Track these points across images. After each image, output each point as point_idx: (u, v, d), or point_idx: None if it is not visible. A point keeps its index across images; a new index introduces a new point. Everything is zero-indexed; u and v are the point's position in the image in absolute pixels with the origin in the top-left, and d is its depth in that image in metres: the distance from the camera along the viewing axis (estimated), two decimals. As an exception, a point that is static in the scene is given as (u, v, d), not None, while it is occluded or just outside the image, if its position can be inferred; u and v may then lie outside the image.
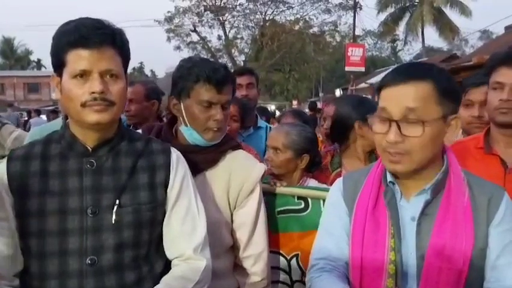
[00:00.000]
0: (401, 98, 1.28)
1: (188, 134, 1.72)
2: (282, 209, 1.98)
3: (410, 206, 1.38)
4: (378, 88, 1.36)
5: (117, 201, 1.36)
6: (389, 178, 1.42)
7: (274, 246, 1.93)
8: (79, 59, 1.30)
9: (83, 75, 1.31)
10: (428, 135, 1.27)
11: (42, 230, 1.33)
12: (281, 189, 1.99)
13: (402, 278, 1.35)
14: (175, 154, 1.51)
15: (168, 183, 1.45)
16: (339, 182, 1.58)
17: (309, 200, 1.96)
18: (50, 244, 1.33)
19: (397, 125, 1.28)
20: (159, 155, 1.47)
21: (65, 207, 1.34)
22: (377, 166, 1.48)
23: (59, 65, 1.34)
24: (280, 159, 2.16)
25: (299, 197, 1.98)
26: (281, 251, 1.98)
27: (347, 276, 1.43)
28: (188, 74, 1.66)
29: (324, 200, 1.91)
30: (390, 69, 1.40)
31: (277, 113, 13.47)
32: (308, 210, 1.95)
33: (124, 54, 1.40)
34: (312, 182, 2.22)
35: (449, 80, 1.34)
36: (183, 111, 1.70)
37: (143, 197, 1.40)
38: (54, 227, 1.33)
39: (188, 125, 1.70)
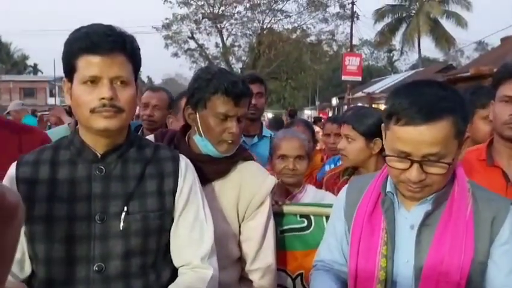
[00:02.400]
0: (421, 142, 1.22)
1: (203, 145, 1.71)
2: (285, 228, 1.96)
3: (410, 215, 1.37)
4: (389, 116, 1.28)
5: (125, 208, 1.36)
6: (388, 188, 1.41)
7: (279, 263, 1.90)
8: (89, 65, 1.30)
9: (93, 81, 1.31)
10: (449, 168, 1.26)
11: (50, 236, 1.32)
12: (284, 207, 1.97)
13: (394, 285, 1.35)
14: (184, 161, 1.51)
15: (176, 190, 1.44)
16: (344, 188, 1.60)
17: (312, 217, 1.95)
18: (58, 250, 1.33)
19: (419, 164, 1.24)
20: (168, 162, 1.47)
21: (73, 213, 1.34)
22: (380, 174, 1.49)
23: (69, 70, 1.34)
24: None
25: (301, 215, 1.96)
26: (286, 269, 1.96)
27: (340, 276, 1.50)
28: (206, 86, 1.65)
29: (326, 217, 1.90)
30: (402, 93, 1.29)
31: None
32: (311, 229, 1.94)
33: (135, 61, 1.39)
34: (310, 188, 2.22)
35: (464, 105, 1.28)
36: (198, 121, 1.69)
37: (152, 204, 1.40)
38: (62, 233, 1.33)
39: (202, 135, 1.70)
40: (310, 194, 2.19)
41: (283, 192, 2.18)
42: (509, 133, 1.82)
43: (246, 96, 1.69)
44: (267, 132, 3.17)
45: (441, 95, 1.25)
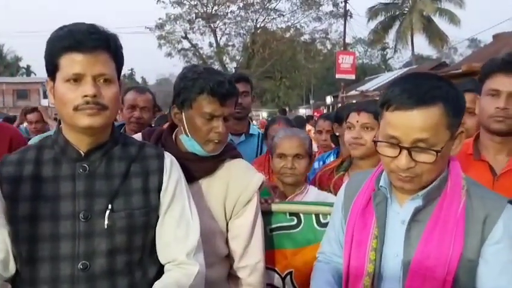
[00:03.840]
0: (411, 127, 1.23)
1: (189, 144, 1.71)
2: (274, 226, 1.95)
3: (402, 210, 1.38)
4: (383, 104, 1.30)
5: (109, 206, 1.36)
6: (381, 183, 1.43)
7: (268, 262, 1.89)
8: (72, 63, 1.30)
9: (77, 79, 1.30)
10: (439, 159, 1.26)
11: (34, 235, 1.32)
12: (273, 206, 1.95)
13: (382, 278, 1.37)
14: (169, 159, 1.50)
15: (161, 187, 1.44)
16: (344, 184, 1.62)
17: (302, 215, 1.94)
18: (42, 249, 1.32)
19: (408, 151, 1.25)
20: (153, 160, 1.47)
21: (57, 212, 1.33)
22: (377, 169, 1.50)
23: (52, 69, 1.33)
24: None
25: (291, 214, 1.95)
26: (275, 268, 1.95)
27: (338, 268, 1.52)
28: (192, 86, 1.64)
29: (316, 215, 1.92)
30: (397, 83, 1.31)
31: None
32: (300, 227, 1.93)
33: (118, 60, 1.40)
34: (312, 189, 2.20)
35: (458, 98, 1.29)
36: (185, 121, 1.69)
37: (137, 201, 1.40)
38: (47, 232, 1.32)
39: (189, 135, 1.69)
40: (311, 195, 2.15)
41: (281, 195, 2.16)
42: (495, 126, 1.83)
43: (232, 95, 1.68)
44: (254, 130, 3.18)
45: (435, 85, 1.26)
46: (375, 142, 1.34)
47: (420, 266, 1.29)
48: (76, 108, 1.31)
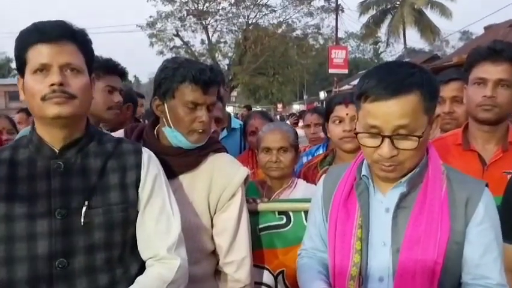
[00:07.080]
0: (390, 115, 1.24)
1: (172, 136, 1.68)
2: (263, 226, 1.92)
3: (386, 199, 1.38)
4: (359, 96, 1.30)
5: (86, 203, 1.34)
6: (364, 172, 1.42)
7: (259, 261, 1.87)
8: (38, 54, 1.31)
9: (43, 69, 1.31)
10: (420, 144, 1.27)
11: (10, 235, 1.30)
12: (261, 205, 1.92)
13: (370, 268, 1.36)
14: (147, 154, 1.49)
15: (139, 182, 1.43)
16: (322, 178, 1.61)
17: (291, 213, 1.91)
18: (19, 249, 1.30)
19: (390, 139, 1.26)
20: (130, 156, 1.45)
21: (33, 210, 1.32)
22: (356, 159, 1.50)
23: (21, 65, 1.34)
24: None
25: (280, 212, 1.92)
26: (267, 266, 1.93)
27: (323, 263, 1.52)
28: (173, 75, 1.62)
29: (305, 212, 1.88)
30: (371, 73, 1.32)
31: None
32: (290, 225, 1.90)
33: (87, 53, 1.40)
34: (301, 183, 2.19)
35: (432, 82, 1.31)
36: (167, 112, 1.66)
37: (114, 197, 1.38)
38: (23, 231, 1.30)
39: (172, 126, 1.67)
40: (300, 189, 2.14)
41: (269, 190, 2.14)
42: (483, 115, 1.82)
43: (214, 83, 1.67)
44: (236, 124, 3.15)
45: (409, 72, 1.27)
46: (356, 134, 1.34)
47: (410, 251, 1.30)
48: (43, 98, 1.30)
